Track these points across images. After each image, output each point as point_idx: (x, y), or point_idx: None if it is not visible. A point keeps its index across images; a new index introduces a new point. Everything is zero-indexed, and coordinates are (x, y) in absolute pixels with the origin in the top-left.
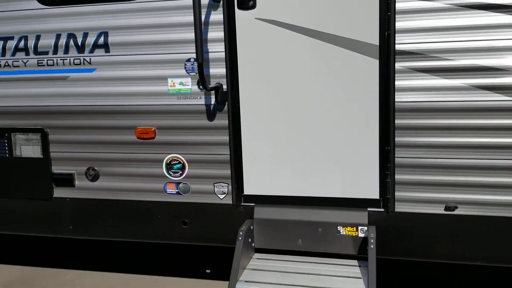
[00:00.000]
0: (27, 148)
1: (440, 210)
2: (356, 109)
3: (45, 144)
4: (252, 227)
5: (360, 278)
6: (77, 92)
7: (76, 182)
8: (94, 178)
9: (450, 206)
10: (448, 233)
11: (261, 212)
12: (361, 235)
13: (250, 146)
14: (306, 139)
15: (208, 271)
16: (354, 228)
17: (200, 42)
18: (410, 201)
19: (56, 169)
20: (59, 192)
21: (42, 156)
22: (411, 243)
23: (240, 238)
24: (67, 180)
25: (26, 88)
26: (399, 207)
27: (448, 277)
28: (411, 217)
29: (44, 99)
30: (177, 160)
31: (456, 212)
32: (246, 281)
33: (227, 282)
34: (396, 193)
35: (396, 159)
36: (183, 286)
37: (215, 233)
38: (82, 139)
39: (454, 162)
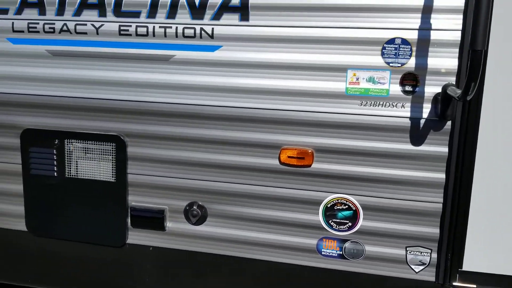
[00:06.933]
0: (91, 165)
1: None
2: None
3: (121, 160)
4: None
5: None
6: (185, 83)
7: (168, 224)
8: (199, 220)
9: None
10: None
11: None
12: None
13: (484, 194)
14: None
15: None
16: None
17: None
18: None
19: (135, 200)
20: (137, 237)
21: (114, 180)
22: None
23: None
24: (153, 220)
25: (96, 69)
26: None
27: None
28: None
29: (125, 90)
30: (344, 204)
31: None
32: None
33: None
34: None
35: None
36: None
37: None
38: (183, 157)
39: None
